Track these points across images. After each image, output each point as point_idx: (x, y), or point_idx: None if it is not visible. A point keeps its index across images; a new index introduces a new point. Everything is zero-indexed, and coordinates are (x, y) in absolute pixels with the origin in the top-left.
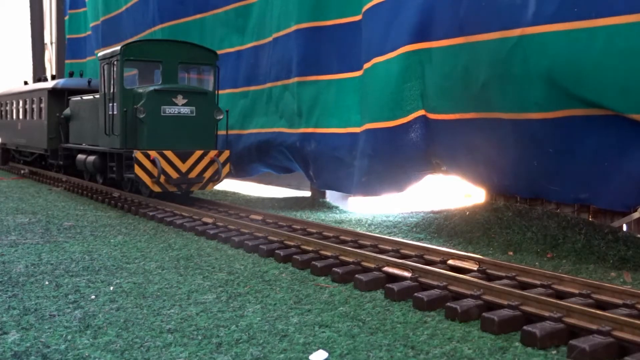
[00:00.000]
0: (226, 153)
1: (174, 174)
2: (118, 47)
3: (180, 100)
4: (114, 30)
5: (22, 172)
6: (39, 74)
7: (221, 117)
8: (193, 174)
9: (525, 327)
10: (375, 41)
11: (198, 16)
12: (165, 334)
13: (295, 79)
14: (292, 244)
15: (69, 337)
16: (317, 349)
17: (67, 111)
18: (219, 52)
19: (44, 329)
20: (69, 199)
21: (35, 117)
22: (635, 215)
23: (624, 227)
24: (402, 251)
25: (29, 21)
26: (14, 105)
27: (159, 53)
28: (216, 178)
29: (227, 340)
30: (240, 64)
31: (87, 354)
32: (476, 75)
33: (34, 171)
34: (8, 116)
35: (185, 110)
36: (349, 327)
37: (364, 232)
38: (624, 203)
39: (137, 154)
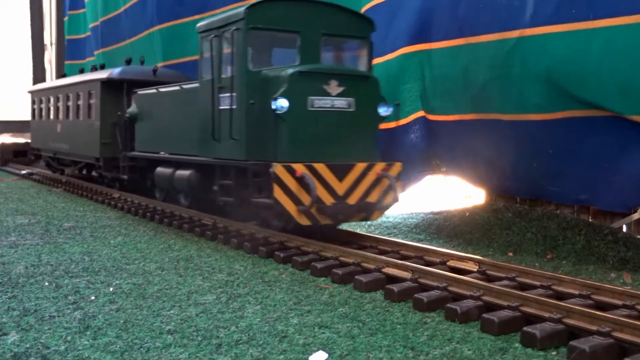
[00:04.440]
0: (397, 166)
1: (328, 199)
2: (237, 11)
3: (334, 87)
4: (113, 31)
5: (22, 172)
6: (38, 75)
7: (388, 112)
8: (353, 199)
9: (525, 328)
10: (375, 40)
11: (197, 17)
12: (165, 335)
13: None
14: (292, 245)
15: (69, 338)
16: (317, 350)
17: (132, 108)
18: None
19: (44, 329)
20: (69, 199)
21: (82, 117)
22: (635, 216)
23: (624, 228)
24: (402, 252)
25: (29, 22)
26: (52, 102)
27: (296, 20)
28: (387, 204)
29: (227, 341)
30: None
31: (86, 355)
32: (475, 77)
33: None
34: (44, 116)
35: (341, 102)
36: (349, 328)
37: (363, 233)
38: (623, 204)
39: (278, 168)
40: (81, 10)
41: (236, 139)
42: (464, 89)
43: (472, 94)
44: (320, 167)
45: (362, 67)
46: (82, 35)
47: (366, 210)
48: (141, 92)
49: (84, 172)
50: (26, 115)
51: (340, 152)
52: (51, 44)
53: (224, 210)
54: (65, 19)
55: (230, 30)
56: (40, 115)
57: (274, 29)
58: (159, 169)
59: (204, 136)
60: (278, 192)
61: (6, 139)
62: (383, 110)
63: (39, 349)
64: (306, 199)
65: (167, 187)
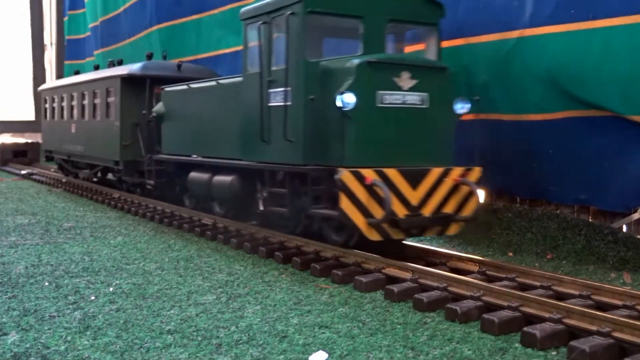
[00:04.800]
0: (476, 171)
1: (401, 210)
2: None
3: (406, 80)
4: (112, 31)
5: (22, 172)
6: (38, 75)
7: (466, 109)
8: (427, 210)
9: (525, 329)
10: None
11: (195, 17)
12: (165, 335)
13: None
14: (292, 245)
15: (69, 338)
16: (317, 350)
17: (158, 107)
18: (215, 53)
19: (44, 329)
20: (69, 200)
21: (99, 117)
22: (635, 216)
23: (624, 228)
24: (402, 252)
25: (29, 22)
26: (66, 101)
27: (359, 4)
28: (467, 216)
29: (227, 341)
30: (237, 64)
31: (86, 355)
32: (476, 77)
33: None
34: (56, 116)
35: (414, 98)
36: (349, 328)
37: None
38: (623, 204)
39: (345, 175)
40: (81, 10)
41: (292, 141)
42: (464, 89)
43: (472, 95)
44: (392, 173)
45: (431, 57)
46: (82, 35)
47: (442, 223)
48: (169, 88)
49: (99, 175)
50: (26, 115)
51: (413, 156)
52: (51, 44)
53: (269, 221)
54: (65, 19)
55: (283, 15)
56: (53, 115)
57: (335, 14)
58: (194, 174)
59: (249, 137)
60: (345, 203)
61: (6, 139)
62: (460, 107)
63: (39, 349)
64: (376, 210)
65: (202, 194)
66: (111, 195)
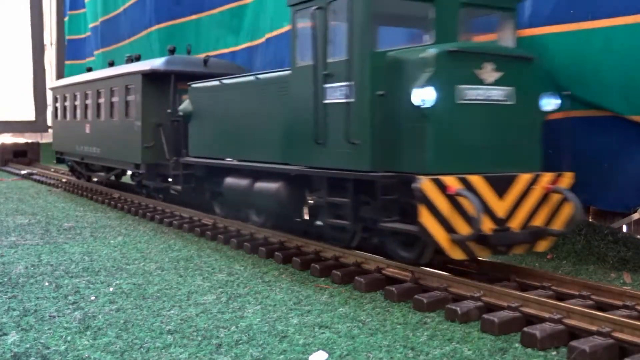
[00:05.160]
0: (568, 177)
1: (487, 223)
2: None
3: (489, 73)
4: (112, 31)
5: (22, 172)
6: (38, 75)
7: (555, 106)
8: (515, 222)
9: (525, 329)
10: None
11: (194, 17)
12: (165, 335)
13: None
14: (292, 245)
15: (69, 338)
16: (317, 350)
17: (185, 105)
18: (214, 52)
19: (44, 330)
20: (69, 200)
21: (117, 117)
22: (635, 216)
23: (624, 228)
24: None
25: (29, 22)
26: (79, 99)
27: None
28: (562, 230)
29: (227, 341)
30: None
31: (86, 355)
32: None
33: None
34: (68, 115)
35: (498, 93)
36: (349, 328)
37: None
38: (623, 204)
39: (425, 183)
40: (81, 11)
41: (355, 143)
42: None
43: None
44: (477, 181)
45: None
46: (82, 35)
47: (533, 239)
48: (197, 85)
49: (111, 178)
50: (26, 115)
51: (498, 160)
52: (51, 44)
53: (317, 233)
54: (66, 19)
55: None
56: (65, 115)
57: None
58: (230, 180)
59: (298, 139)
60: (426, 216)
61: (6, 139)
62: (548, 103)
63: (39, 349)
64: (459, 224)
65: (240, 201)
66: (111, 195)
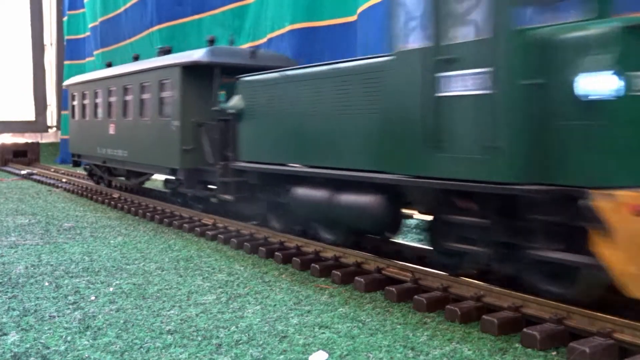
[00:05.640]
0: None
1: None
2: None
3: None
4: (112, 31)
5: (22, 172)
6: (38, 75)
7: None
8: None
9: (525, 329)
10: (372, 43)
11: (196, 17)
12: (165, 335)
13: None
14: (291, 245)
15: (69, 338)
16: (317, 350)
17: (235, 102)
18: None
19: (44, 330)
20: (69, 200)
21: (149, 115)
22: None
23: None
24: (402, 253)
25: (29, 22)
26: (101, 97)
27: None
28: None
29: (227, 341)
30: None
31: (86, 355)
32: None
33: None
34: (88, 114)
35: None
36: (349, 328)
37: None
38: None
39: (601, 200)
40: (80, 11)
41: (495, 147)
42: None
43: None
44: None
45: None
46: (82, 35)
47: None
48: (251, 78)
49: (139, 183)
50: (26, 115)
51: None
52: (51, 44)
53: (440, 263)
54: (65, 18)
55: None
56: (83, 114)
57: None
58: (303, 191)
59: (400, 142)
60: (603, 244)
61: (6, 139)
62: None
63: (39, 349)
64: None
65: (313, 215)
66: (111, 195)
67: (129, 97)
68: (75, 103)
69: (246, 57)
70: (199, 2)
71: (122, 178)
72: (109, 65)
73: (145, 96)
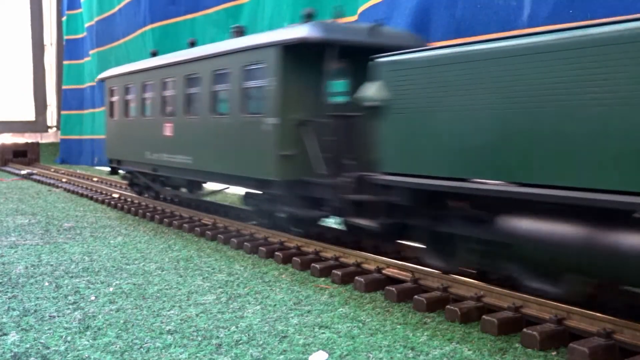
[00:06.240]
0: None
1: None
2: None
3: None
4: (107, 31)
5: (22, 172)
6: (38, 75)
7: None
8: None
9: (525, 329)
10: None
11: (189, 16)
12: (165, 335)
13: None
14: (291, 245)
15: (69, 338)
16: (317, 350)
17: (375, 91)
18: None
19: (44, 330)
20: (69, 200)
21: (229, 111)
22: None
23: None
24: (403, 253)
25: (29, 22)
26: (152, 90)
27: None
28: None
29: (227, 341)
30: None
31: (86, 355)
32: None
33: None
34: (133, 112)
35: None
36: (349, 328)
37: None
38: None
39: None
40: (78, 10)
41: None
42: None
43: None
44: None
45: None
46: (80, 35)
47: None
48: (398, 57)
49: (204, 197)
50: (26, 115)
51: None
52: (51, 44)
53: None
54: (64, 18)
55: None
56: (126, 112)
57: None
58: (535, 226)
59: None
60: None
61: (6, 139)
62: None
63: (39, 349)
64: None
65: (558, 264)
66: (111, 195)
67: (195, 90)
68: (114, 99)
69: (364, 34)
70: (193, 1)
71: (182, 189)
72: (155, 54)
73: (222, 87)
